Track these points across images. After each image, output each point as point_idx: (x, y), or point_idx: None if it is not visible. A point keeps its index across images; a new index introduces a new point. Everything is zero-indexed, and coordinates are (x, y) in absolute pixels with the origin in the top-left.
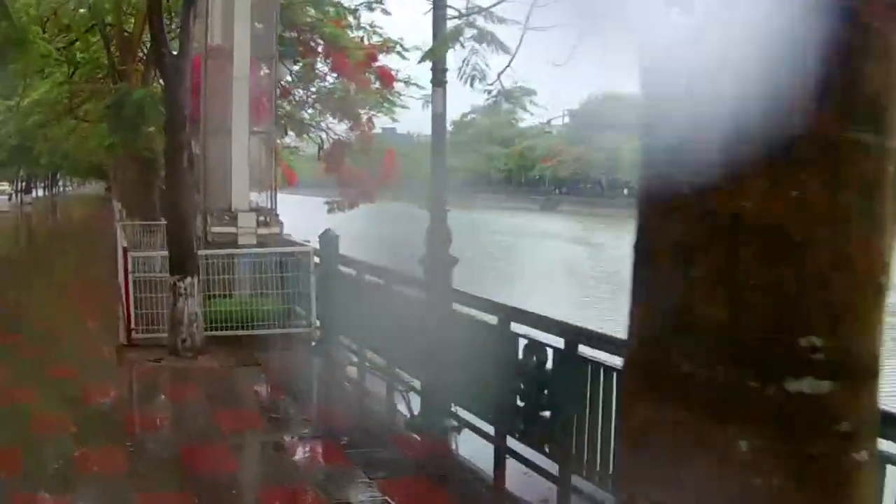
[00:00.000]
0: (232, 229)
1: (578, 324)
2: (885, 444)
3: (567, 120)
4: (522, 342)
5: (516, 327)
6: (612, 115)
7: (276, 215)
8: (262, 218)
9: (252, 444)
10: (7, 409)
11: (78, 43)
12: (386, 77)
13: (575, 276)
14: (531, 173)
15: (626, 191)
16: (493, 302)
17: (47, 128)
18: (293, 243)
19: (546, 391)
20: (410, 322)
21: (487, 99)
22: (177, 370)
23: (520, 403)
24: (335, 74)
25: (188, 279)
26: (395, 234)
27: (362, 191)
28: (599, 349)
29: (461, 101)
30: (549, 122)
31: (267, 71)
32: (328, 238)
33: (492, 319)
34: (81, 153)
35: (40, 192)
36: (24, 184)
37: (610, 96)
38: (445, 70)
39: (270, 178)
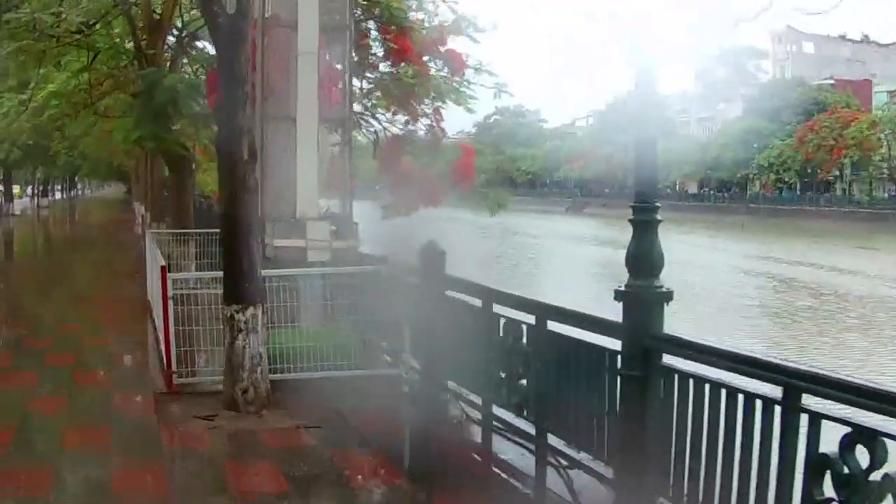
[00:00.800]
0: (300, 242)
1: None
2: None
3: (591, 121)
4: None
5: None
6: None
7: (355, 225)
8: (335, 228)
9: None
10: None
11: (97, 25)
12: (457, 62)
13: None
14: (556, 175)
15: None
16: (767, 361)
17: (63, 123)
18: (377, 260)
19: None
20: (579, 377)
21: None
22: (239, 434)
23: None
24: (394, 60)
25: (249, 310)
26: (493, 248)
27: (424, 193)
28: None
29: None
30: (573, 122)
31: (337, 48)
32: (432, 254)
33: (770, 390)
34: (101, 152)
35: (58, 195)
36: (40, 186)
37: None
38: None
39: (345, 177)
